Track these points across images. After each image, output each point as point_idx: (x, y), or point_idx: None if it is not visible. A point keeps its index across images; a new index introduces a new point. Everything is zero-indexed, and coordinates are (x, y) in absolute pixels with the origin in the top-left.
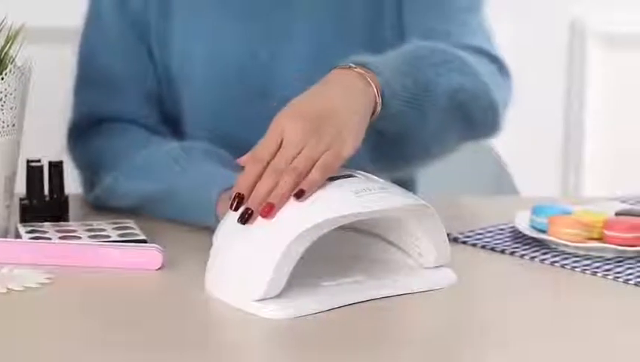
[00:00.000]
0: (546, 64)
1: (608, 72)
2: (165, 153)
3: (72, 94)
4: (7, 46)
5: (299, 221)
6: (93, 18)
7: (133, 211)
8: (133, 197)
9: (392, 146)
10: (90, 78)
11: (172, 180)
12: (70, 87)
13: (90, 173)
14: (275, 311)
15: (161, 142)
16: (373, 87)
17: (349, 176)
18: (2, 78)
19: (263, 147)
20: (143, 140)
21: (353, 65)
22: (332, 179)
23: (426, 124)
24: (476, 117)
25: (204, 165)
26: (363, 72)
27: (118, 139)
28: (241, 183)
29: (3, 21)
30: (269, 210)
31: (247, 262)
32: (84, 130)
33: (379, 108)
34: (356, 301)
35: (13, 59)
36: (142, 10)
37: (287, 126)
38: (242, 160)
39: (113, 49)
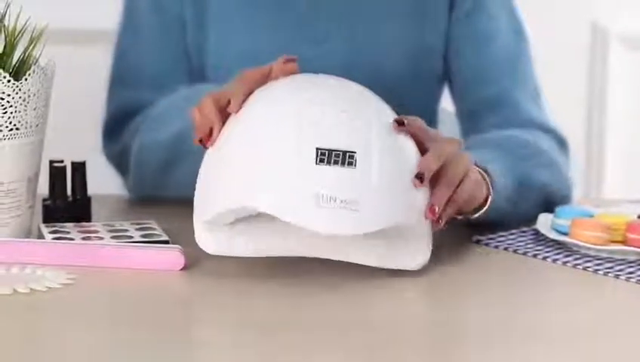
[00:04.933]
0: (567, 66)
1: (630, 74)
2: (175, 99)
3: (107, 93)
4: (31, 47)
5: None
6: (129, 20)
7: (163, 180)
8: (157, 150)
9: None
10: (122, 76)
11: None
12: (93, 88)
13: (122, 169)
14: (207, 242)
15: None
16: (485, 188)
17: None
18: (25, 79)
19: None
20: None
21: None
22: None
23: (513, 214)
24: (555, 204)
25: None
26: (480, 170)
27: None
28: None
29: (26, 22)
30: (432, 211)
31: (211, 185)
32: (116, 128)
33: (483, 210)
34: (305, 255)
35: (37, 60)
36: (180, 15)
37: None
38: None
39: (147, 49)
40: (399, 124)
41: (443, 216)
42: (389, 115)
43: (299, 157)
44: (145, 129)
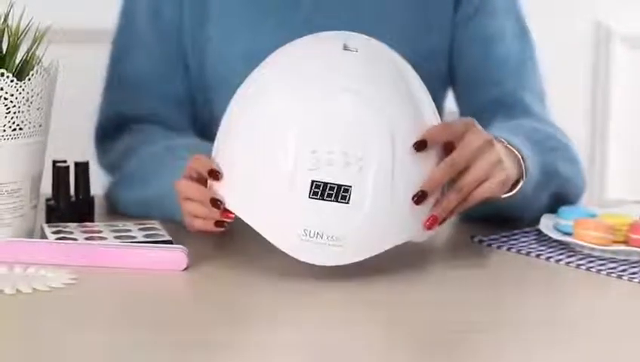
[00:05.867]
0: (570, 65)
1: (633, 73)
2: (151, 157)
3: (101, 97)
4: (34, 47)
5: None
6: (126, 23)
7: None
8: (128, 205)
9: (492, 215)
10: (117, 80)
11: (153, 186)
12: (96, 88)
13: (109, 176)
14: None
15: (155, 142)
16: (517, 168)
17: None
18: (29, 79)
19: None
20: (148, 138)
21: (504, 141)
22: None
23: (534, 203)
24: (570, 200)
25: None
26: (515, 152)
27: (128, 140)
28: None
29: (30, 22)
30: (432, 222)
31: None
32: (109, 132)
33: (515, 190)
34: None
35: (40, 60)
36: (176, 17)
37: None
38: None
39: (142, 53)
40: (420, 147)
41: (443, 222)
42: (413, 114)
43: (292, 189)
44: (117, 184)
